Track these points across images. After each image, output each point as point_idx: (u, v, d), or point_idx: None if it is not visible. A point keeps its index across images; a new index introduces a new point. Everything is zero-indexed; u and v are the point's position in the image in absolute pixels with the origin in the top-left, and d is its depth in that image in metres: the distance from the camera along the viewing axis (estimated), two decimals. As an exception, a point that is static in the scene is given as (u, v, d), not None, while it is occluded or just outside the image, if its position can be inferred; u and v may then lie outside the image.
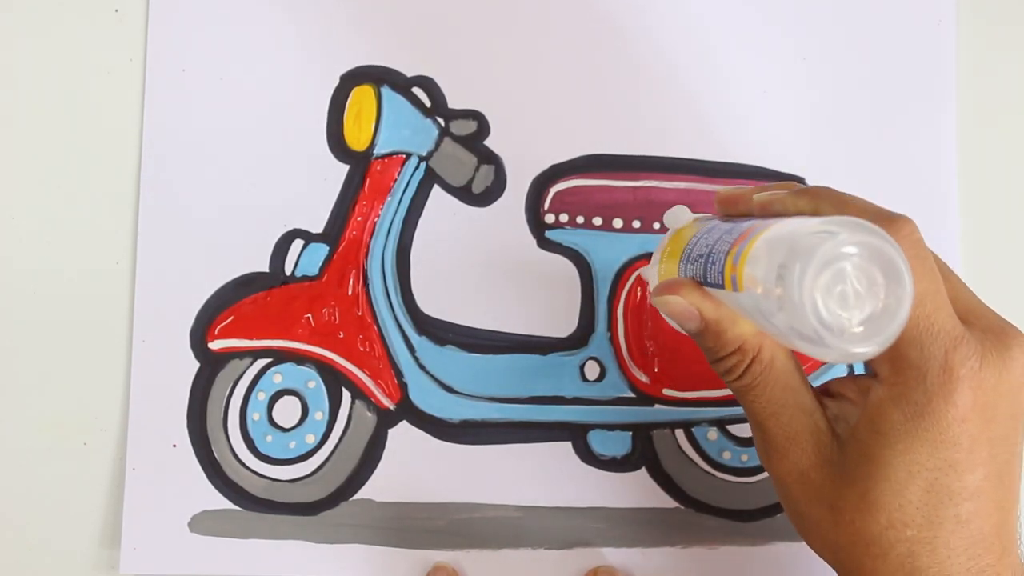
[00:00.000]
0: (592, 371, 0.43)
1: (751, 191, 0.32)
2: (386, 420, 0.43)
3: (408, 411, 0.43)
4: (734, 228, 0.29)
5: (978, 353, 0.27)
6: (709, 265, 0.30)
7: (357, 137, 0.43)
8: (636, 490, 0.43)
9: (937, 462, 0.27)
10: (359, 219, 0.43)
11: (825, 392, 0.31)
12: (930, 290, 0.27)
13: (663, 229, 0.43)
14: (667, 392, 0.43)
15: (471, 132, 0.43)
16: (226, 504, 0.42)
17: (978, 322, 0.28)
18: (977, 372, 0.27)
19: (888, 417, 0.28)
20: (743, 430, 0.43)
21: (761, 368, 0.29)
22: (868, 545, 0.28)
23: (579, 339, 0.43)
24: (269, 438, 0.43)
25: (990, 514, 0.28)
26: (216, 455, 0.42)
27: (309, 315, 0.43)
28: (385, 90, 0.43)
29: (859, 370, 0.43)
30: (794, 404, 0.30)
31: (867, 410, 0.29)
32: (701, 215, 0.34)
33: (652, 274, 0.35)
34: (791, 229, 0.26)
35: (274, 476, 0.42)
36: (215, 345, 0.42)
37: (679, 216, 0.35)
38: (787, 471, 0.30)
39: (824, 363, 0.43)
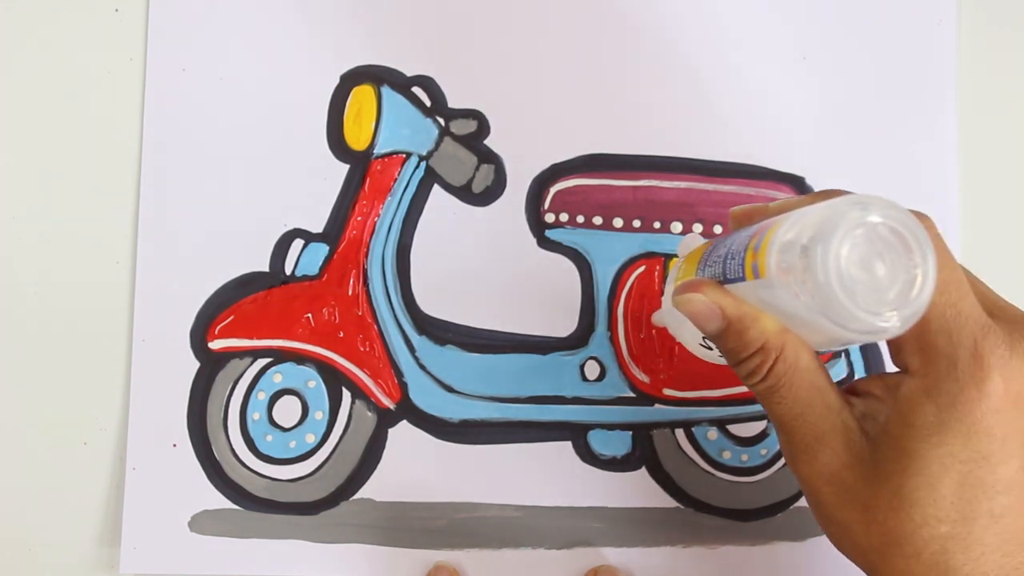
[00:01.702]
0: (592, 371, 0.43)
1: (766, 204, 0.32)
2: (386, 420, 0.43)
3: (408, 411, 0.43)
4: (752, 228, 0.29)
5: (1007, 343, 0.27)
6: (728, 261, 0.29)
7: (357, 137, 0.43)
8: (636, 490, 0.43)
9: (970, 453, 0.27)
10: (359, 219, 0.43)
11: (851, 392, 0.31)
12: (953, 279, 0.27)
13: (663, 229, 0.43)
14: (667, 392, 0.43)
15: (471, 132, 0.43)
16: (226, 504, 0.42)
17: (1003, 314, 0.28)
18: (1008, 361, 0.27)
19: (921, 409, 0.27)
20: (743, 430, 0.43)
21: (785, 367, 0.29)
22: (901, 545, 0.28)
23: (579, 339, 0.43)
24: (269, 438, 0.43)
25: None
26: (216, 455, 0.42)
27: (309, 315, 0.43)
28: (385, 90, 0.43)
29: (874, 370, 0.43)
30: (821, 403, 0.29)
31: (898, 405, 0.28)
32: (714, 238, 0.34)
33: (666, 298, 0.35)
34: (813, 207, 0.26)
35: (274, 476, 0.42)
36: (215, 345, 0.43)
37: (691, 242, 0.34)
38: (817, 473, 0.29)
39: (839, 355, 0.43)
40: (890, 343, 0.29)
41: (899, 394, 0.28)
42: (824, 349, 0.29)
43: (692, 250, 0.34)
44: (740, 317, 0.29)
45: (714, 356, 0.34)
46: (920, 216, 0.28)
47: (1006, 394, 0.27)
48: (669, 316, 0.36)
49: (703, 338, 0.33)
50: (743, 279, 0.28)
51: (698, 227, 0.43)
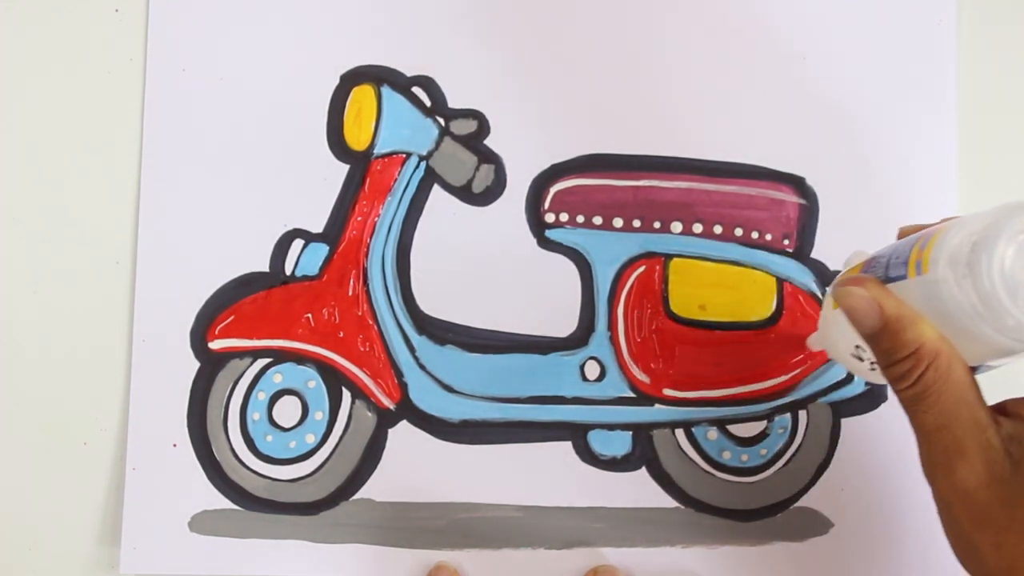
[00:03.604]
0: (592, 371, 0.43)
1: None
2: (386, 420, 0.43)
3: (408, 411, 0.43)
4: (919, 233, 0.29)
5: None
6: (892, 260, 0.29)
7: (357, 137, 0.43)
8: (636, 490, 0.43)
9: None
10: (359, 219, 0.43)
11: (1001, 411, 0.30)
12: None
13: (663, 229, 0.43)
14: (667, 392, 0.43)
15: (471, 132, 0.43)
16: (226, 504, 0.42)
17: None
18: None
19: None
20: (743, 430, 0.43)
21: (936, 376, 0.28)
22: None
23: (579, 339, 0.43)
24: (269, 438, 0.43)
25: None
26: (216, 455, 0.42)
27: (309, 315, 0.43)
28: (385, 90, 0.43)
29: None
30: (968, 418, 0.28)
31: None
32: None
33: (823, 315, 0.34)
34: (983, 211, 0.26)
35: (274, 476, 0.42)
36: (215, 345, 0.42)
37: (855, 258, 0.34)
38: (952, 488, 0.29)
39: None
40: None
41: None
42: (979, 363, 0.29)
43: (855, 265, 0.34)
44: (899, 317, 0.28)
45: (864, 368, 0.33)
46: None
47: None
48: (823, 326, 0.35)
49: (856, 346, 0.32)
50: (905, 277, 0.28)
51: (698, 227, 0.43)
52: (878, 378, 0.31)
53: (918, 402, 0.29)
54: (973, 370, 0.29)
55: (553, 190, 0.43)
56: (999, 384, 0.32)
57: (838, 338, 0.34)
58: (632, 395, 0.43)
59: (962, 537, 0.29)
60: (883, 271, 0.30)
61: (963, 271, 0.25)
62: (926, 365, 0.28)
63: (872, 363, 0.31)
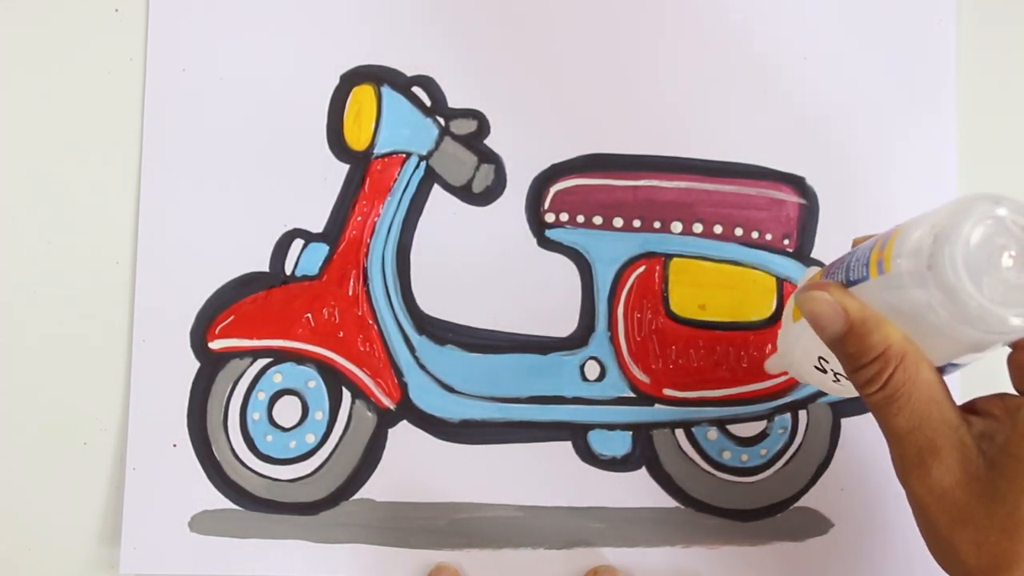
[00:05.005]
0: (592, 371, 0.43)
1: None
2: (386, 420, 0.43)
3: (408, 411, 0.43)
4: (878, 235, 0.29)
5: None
6: (852, 263, 0.29)
7: (357, 137, 0.43)
8: (636, 490, 0.43)
9: None
10: (359, 219, 0.43)
11: (970, 410, 0.30)
12: None
13: (664, 229, 0.43)
14: (667, 392, 0.43)
15: (471, 131, 0.43)
16: (226, 504, 0.42)
17: None
18: None
19: None
20: (743, 430, 0.43)
21: (905, 377, 0.28)
22: (1011, 569, 0.27)
23: (579, 339, 0.43)
24: (269, 438, 0.43)
25: None
26: (216, 455, 0.42)
27: (309, 315, 0.43)
28: (385, 89, 0.43)
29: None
30: (939, 417, 0.28)
31: (1018, 427, 0.28)
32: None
33: (782, 334, 0.34)
34: (943, 205, 0.26)
35: (274, 476, 0.42)
36: (215, 345, 0.42)
37: (810, 273, 0.34)
38: (928, 489, 0.29)
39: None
40: (1012, 366, 0.29)
41: (1019, 416, 0.28)
42: (944, 362, 0.29)
43: (813, 275, 0.33)
44: (863, 320, 0.28)
45: (827, 380, 0.33)
46: None
47: None
48: (784, 341, 0.35)
49: (819, 358, 0.32)
50: (867, 278, 0.28)
51: (698, 227, 0.43)
52: (842, 390, 0.31)
53: (888, 405, 0.29)
54: (940, 371, 0.29)
55: (553, 190, 0.43)
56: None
57: (799, 351, 0.33)
58: (632, 395, 0.43)
59: (940, 538, 0.29)
60: (844, 275, 0.29)
61: (925, 262, 0.25)
62: (894, 367, 0.28)
63: (836, 375, 0.30)
